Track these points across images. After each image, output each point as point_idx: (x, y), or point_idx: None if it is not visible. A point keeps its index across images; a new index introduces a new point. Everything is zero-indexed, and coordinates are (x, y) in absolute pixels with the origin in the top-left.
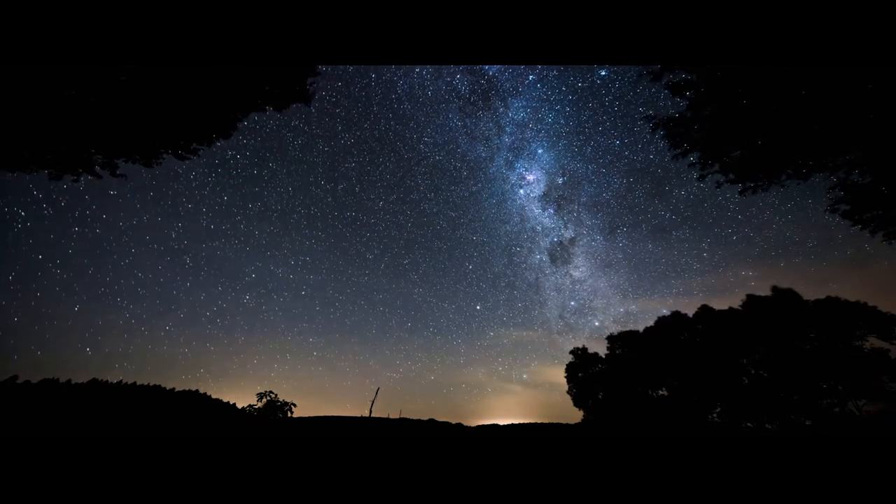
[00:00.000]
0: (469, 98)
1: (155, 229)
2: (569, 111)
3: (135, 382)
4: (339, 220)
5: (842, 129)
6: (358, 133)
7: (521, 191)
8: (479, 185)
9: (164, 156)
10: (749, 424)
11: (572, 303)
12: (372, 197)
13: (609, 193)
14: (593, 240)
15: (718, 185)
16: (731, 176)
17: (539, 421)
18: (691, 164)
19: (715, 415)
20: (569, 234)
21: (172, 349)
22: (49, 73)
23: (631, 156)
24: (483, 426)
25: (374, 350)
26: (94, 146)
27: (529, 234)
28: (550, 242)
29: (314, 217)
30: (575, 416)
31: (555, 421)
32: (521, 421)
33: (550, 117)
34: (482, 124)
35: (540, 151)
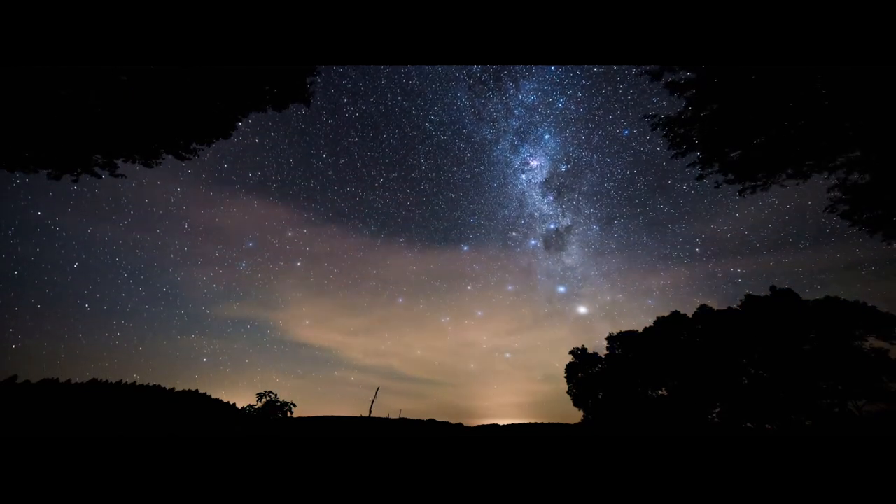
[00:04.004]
0: (480, 77)
1: (154, 192)
2: (581, 97)
3: (135, 382)
4: (339, 194)
5: (841, 128)
6: (363, 107)
7: (524, 176)
8: (482, 167)
9: (164, 156)
10: (749, 424)
11: (561, 289)
12: (373, 173)
13: (611, 184)
14: (589, 229)
15: (718, 184)
16: (731, 176)
17: (539, 421)
18: (691, 164)
19: (715, 415)
20: (566, 221)
21: (169, 310)
22: (49, 74)
23: (638, 147)
24: (483, 426)
25: (365, 323)
26: (93, 146)
27: (527, 219)
28: (547, 229)
29: (314, 190)
30: (575, 416)
31: (554, 421)
32: (521, 421)
33: (561, 102)
34: (491, 105)
35: (547, 137)
